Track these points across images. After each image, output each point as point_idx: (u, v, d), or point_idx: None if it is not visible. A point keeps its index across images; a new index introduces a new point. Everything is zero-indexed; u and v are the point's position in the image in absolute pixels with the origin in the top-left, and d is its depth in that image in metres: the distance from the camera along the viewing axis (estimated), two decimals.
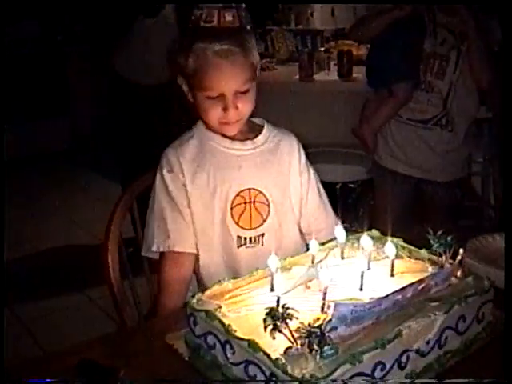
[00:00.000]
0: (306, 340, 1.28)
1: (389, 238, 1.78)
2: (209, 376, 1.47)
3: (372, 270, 1.67)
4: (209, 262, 2.08)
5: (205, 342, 1.49)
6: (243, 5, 4.35)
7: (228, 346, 1.41)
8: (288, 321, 1.30)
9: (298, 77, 4.88)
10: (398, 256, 1.71)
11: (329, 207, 2.23)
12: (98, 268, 2.16)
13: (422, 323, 1.44)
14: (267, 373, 1.30)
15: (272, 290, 1.56)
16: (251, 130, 2.11)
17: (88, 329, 3.32)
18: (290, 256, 1.78)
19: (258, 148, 2.09)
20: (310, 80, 4.83)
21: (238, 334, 1.38)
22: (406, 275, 1.66)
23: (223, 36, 1.96)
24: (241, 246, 2.07)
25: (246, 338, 1.35)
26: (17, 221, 4.98)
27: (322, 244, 1.80)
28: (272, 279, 1.57)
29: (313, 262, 1.71)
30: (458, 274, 1.64)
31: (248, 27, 3.05)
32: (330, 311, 1.34)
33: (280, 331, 1.31)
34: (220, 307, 1.49)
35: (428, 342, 1.46)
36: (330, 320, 1.31)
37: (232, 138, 2.06)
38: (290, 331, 1.30)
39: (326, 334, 1.28)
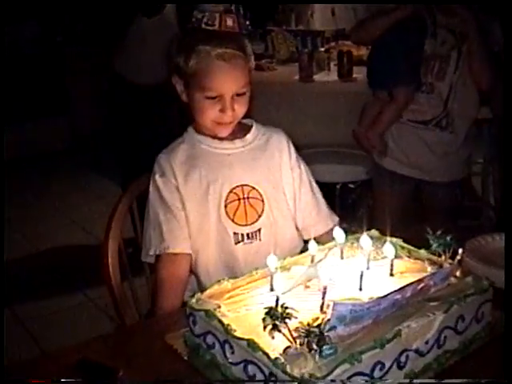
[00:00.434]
0: (305, 340, 1.28)
1: (388, 238, 1.78)
2: (208, 375, 1.47)
3: (371, 270, 1.67)
4: (206, 261, 2.10)
5: (204, 341, 1.50)
6: (241, 11, 4.36)
7: (227, 346, 1.42)
8: (287, 320, 1.31)
9: (298, 77, 4.88)
10: (397, 256, 1.71)
11: (322, 202, 2.25)
12: (97, 268, 2.16)
13: (421, 323, 1.44)
14: (266, 372, 1.31)
15: (271, 289, 1.56)
16: (240, 130, 2.14)
17: (88, 329, 3.34)
18: (289, 255, 1.79)
19: (248, 146, 2.13)
20: (310, 80, 4.83)
21: (237, 333, 1.38)
22: (405, 275, 1.66)
23: (227, 40, 2.00)
24: (238, 242, 2.09)
25: (246, 337, 1.35)
26: (16, 221, 4.99)
27: (322, 244, 1.81)
28: (271, 279, 1.58)
29: (312, 262, 1.71)
30: (457, 273, 1.65)
31: (244, 32, 3.07)
32: (329, 311, 1.35)
33: (279, 331, 1.31)
34: (219, 307, 1.49)
35: (427, 342, 1.46)
36: (329, 320, 1.31)
37: (221, 139, 2.10)
38: (289, 331, 1.30)
39: (325, 334, 1.29)
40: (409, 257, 1.77)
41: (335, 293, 1.52)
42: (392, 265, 1.67)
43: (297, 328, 1.30)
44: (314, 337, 1.28)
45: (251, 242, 2.09)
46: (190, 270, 2.11)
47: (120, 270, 2.15)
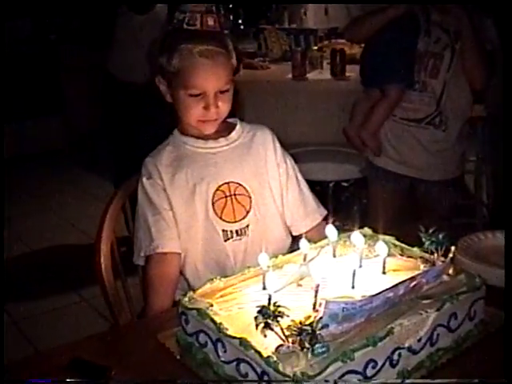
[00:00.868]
0: (298, 338, 1.28)
1: (380, 236, 1.78)
2: (201, 374, 1.47)
3: (364, 268, 1.67)
4: (195, 260, 2.12)
5: (196, 340, 1.49)
6: (222, 11, 4.36)
7: (220, 345, 1.42)
8: (279, 319, 1.30)
9: (291, 76, 4.88)
10: (389, 254, 1.71)
11: (309, 196, 2.26)
12: (91, 267, 2.15)
13: (414, 321, 1.44)
14: (259, 371, 1.31)
15: (264, 288, 1.56)
16: (225, 129, 2.16)
17: (81, 328, 3.32)
18: (278, 251, 1.81)
19: (233, 144, 2.15)
20: (303, 79, 4.84)
21: (229, 332, 1.38)
22: (397, 273, 1.66)
23: (208, 38, 2.03)
24: (227, 239, 2.10)
25: (238, 336, 1.35)
26: (10, 220, 4.97)
27: (312, 240, 1.80)
28: (264, 277, 1.58)
29: (305, 260, 1.71)
30: (450, 271, 1.65)
31: (226, 32, 3.10)
32: (322, 309, 1.34)
33: (271, 329, 1.31)
34: (211, 305, 1.49)
35: (420, 340, 1.46)
36: (322, 318, 1.31)
37: (206, 138, 2.12)
38: (282, 329, 1.30)
39: (318, 332, 1.28)
40: (401, 255, 1.77)
41: (328, 291, 1.52)
42: (384, 263, 1.67)
43: (289, 326, 1.30)
44: (307, 335, 1.28)
45: (240, 239, 2.11)
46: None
47: (113, 270, 2.15)
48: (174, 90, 2.06)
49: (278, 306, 1.32)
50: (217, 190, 2.08)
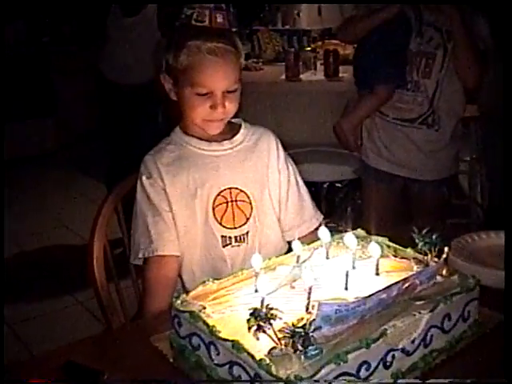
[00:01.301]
0: (290, 340, 1.28)
1: (373, 238, 1.77)
2: (194, 377, 1.46)
3: (357, 270, 1.66)
4: (191, 263, 2.09)
5: (189, 343, 1.48)
6: (231, 9, 4.35)
7: (212, 347, 1.41)
8: (272, 321, 1.30)
9: (284, 77, 4.88)
10: (383, 255, 1.70)
11: (307, 201, 2.24)
12: (84, 269, 2.14)
13: (407, 322, 1.43)
14: (252, 374, 1.30)
15: (256, 290, 1.55)
16: (229, 130, 2.12)
17: (76, 331, 3.32)
18: (275, 255, 1.77)
19: (236, 147, 2.11)
20: (297, 80, 4.84)
21: (222, 334, 1.37)
22: (391, 274, 1.65)
23: (218, 35, 1.98)
24: (226, 245, 2.08)
25: (230, 338, 1.34)
26: (3, 221, 4.96)
27: (305, 243, 1.80)
28: (256, 279, 1.57)
29: (297, 262, 1.70)
30: (444, 272, 1.64)
31: (234, 30, 3.09)
32: (314, 311, 1.34)
33: (264, 332, 1.30)
34: (204, 308, 1.48)
35: (413, 341, 1.45)
36: (314, 320, 1.30)
37: (209, 140, 2.09)
38: (274, 332, 1.30)
39: (310, 334, 1.28)
40: (395, 256, 1.77)
41: (321, 292, 1.52)
42: (378, 264, 1.67)
43: (282, 329, 1.29)
44: (299, 337, 1.27)
45: (239, 245, 2.09)
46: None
47: (106, 272, 2.14)
48: (179, 87, 2.01)
49: (271, 309, 1.31)
50: (218, 195, 2.05)
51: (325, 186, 4.19)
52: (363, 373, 1.34)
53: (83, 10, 5.32)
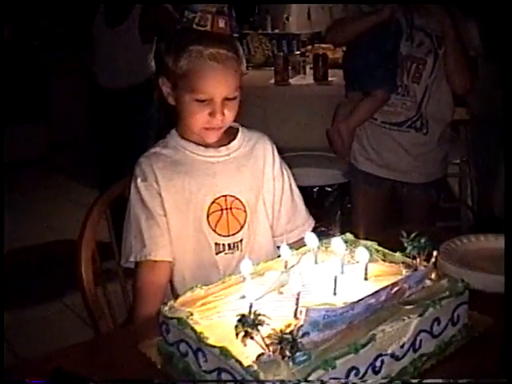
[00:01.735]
0: (278, 346, 1.27)
1: (362, 242, 1.77)
2: None
3: (346, 274, 1.65)
4: (183, 269, 2.07)
5: (177, 349, 1.48)
6: (233, 14, 4.35)
7: (200, 354, 1.40)
8: (260, 327, 1.29)
9: (273, 81, 4.89)
10: (372, 259, 1.70)
11: (300, 207, 2.22)
12: (73, 275, 2.13)
13: (396, 327, 1.43)
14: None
15: (243, 296, 1.54)
16: (226, 136, 2.09)
17: (65, 336, 3.30)
18: (263, 260, 1.76)
19: (233, 154, 2.09)
20: (286, 84, 4.85)
21: (210, 341, 1.36)
22: (379, 279, 1.65)
23: (220, 40, 1.95)
24: (219, 252, 2.06)
25: (218, 345, 1.33)
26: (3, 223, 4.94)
27: (296, 249, 1.79)
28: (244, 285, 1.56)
29: (286, 267, 1.69)
30: (433, 276, 1.64)
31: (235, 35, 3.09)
32: (302, 317, 1.33)
33: (252, 338, 1.29)
34: (192, 314, 1.47)
35: (402, 346, 1.45)
36: (302, 326, 1.30)
37: (206, 146, 2.06)
38: (262, 338, 1.29)
39: (298, 340, 1.27)
40: (384, 260, 1.76)
41: (309, 298, 1.51)
42: (366, 269, 1.66)
43: (269, 335, 1.28)
44: (287, 343, 1.26)
45: (232, 253, 2.07)
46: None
47: (94, 277, 2.12)
48: (178, 93, 1.98)
49: (258, 315, 1.30)
50: (213, 202, 2.03)
51: (315, 189, 4.19)
52: (352, 378, 1.33)
53: (69, 15, 5.32)
